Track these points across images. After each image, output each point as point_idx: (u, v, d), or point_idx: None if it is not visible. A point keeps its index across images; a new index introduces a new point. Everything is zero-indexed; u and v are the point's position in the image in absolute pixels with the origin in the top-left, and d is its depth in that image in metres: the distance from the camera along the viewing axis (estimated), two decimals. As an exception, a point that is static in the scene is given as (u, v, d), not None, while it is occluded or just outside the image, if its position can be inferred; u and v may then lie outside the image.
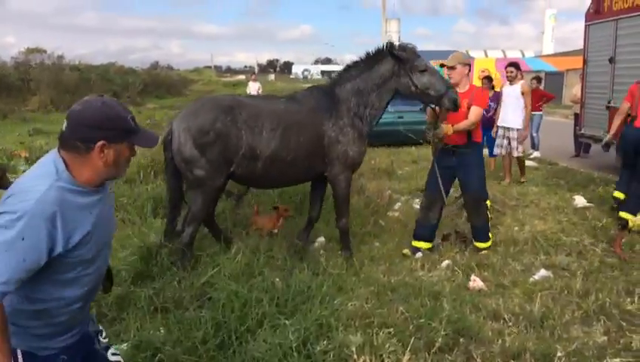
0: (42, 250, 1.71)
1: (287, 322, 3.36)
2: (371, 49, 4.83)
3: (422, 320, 3.56)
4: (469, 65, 5.24)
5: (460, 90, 5.04)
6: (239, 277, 4.18)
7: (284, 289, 3.89)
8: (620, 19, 9.00)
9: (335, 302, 3.84)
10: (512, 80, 8.57)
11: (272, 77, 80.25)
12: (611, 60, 9.24)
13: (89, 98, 1.88)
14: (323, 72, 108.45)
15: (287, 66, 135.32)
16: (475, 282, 4.40)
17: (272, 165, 4.58)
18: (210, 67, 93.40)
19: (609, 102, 9.28)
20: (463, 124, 4.88)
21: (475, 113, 4.96)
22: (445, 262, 4.88)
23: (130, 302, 3.81)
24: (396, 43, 4.81)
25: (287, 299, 3.75)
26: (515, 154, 8.49)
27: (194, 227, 4.56)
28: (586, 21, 10.15)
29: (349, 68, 4.92)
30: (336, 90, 4.83)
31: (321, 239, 5.44)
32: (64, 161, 1.81)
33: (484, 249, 5.16)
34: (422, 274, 4.60)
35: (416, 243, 5.27)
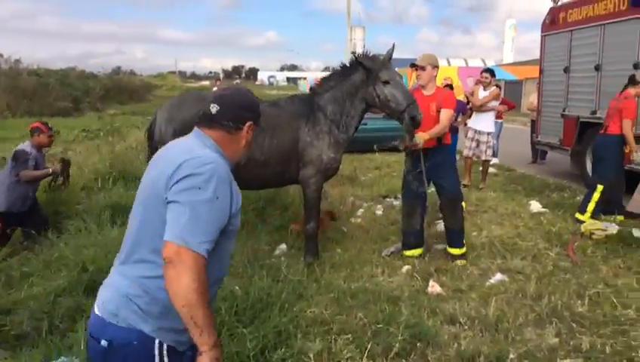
0: (227, 212, 1.79)
1: (245, 330, 3.34)
2: (349, 58, 5.02)
3: (380, 326, 3.59)
4: (438, 67, 5.23)
5: (427, 92, 5.11)
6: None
7: (243, 297, 3.87)
8: (574, 30, 9.31)
9: (294, 309, 3.85)
10: (486, 85, 8.84)
11: (237, 83, 79.77)
12: (566, 70, 9.54)
13: (231, 86, 2.16)
14: (289, 79, 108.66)
15: (253, 72, 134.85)
16: (434, 287, 4.46)
17: (245, 164, 4.63)
18: (174, 72, 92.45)
19: (564, 111, 9.58)
20: (436, 130, 4.92)
21: (447, 116, 5.03)
22: (405, 268, 4.94)
23: (83, 314, 3.72)
24: (363, 51, 4.92)
25: (245, 307, 3.73)
26: (484, 157, 8.74)
27: None
28: (542, 32, 10.45)
29: (329, 77, 5.10)
30: (316, 98, 4.99)
31: (283, 246, 5.43)
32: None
33: (459, 256, 5.14)
34: (382, 280, 4.64)
35: (407, 253, 5.25)
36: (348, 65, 4.95)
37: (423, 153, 4.97)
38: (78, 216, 5.90)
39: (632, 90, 6.45)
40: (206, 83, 64.63)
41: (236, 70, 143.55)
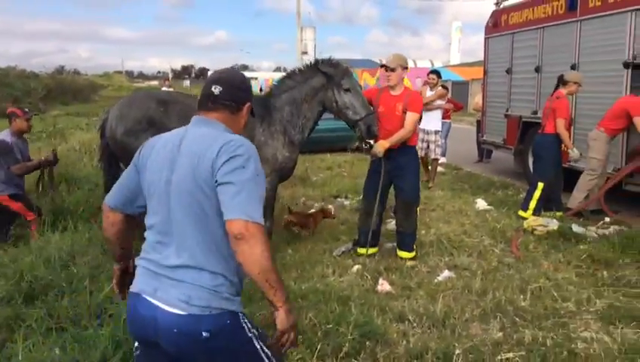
0: (264, 185, 1.98)
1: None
2: (309, 61, 5.12)
3: (330, 326, 3.59)
4: (407, 68, 5.21)
5: (394, 92, 5.08)
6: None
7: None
8: (516, 32, 9.62)
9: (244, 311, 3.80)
10: (432, 86, 9.06)
11: (187, 83, 78.47)
12: (508, 71, 9.85)
13: (227, 68, 2.32)
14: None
15: (203, 73, 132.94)
16: (383, 286, 4.51)
17: None
18: (120, 72, 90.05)
19: (507, 111, 9.88)
20: (398, 135, 4.88)
21: (412, 120, 4.95)
22: (355, 267, 4.96)
23: (22, 324, 3.56)
24: (328, 58, 5.02)
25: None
26: (433, 156, 8.93)
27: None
28: (485, 34, 10.75)
29: (284, 79, 5.09)
30: (272, 99, 5.00)
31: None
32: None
33: (409, 259, 5.15)
34: (333, 280, 4.65)
35: (361, 251, 5.25)
36: (308, 67, 5.00)
37: (387, 153, 4.94)
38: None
39: (563, 90, 6.72)
40: (154, 83, 63.30)
41: (186, 70, 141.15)
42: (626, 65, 6.90)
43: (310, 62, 5.08)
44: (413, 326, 3.75)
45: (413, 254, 5.22)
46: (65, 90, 34.75)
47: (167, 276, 1.93)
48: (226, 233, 1.84)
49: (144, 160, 2.08)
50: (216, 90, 2.07)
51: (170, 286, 1.91)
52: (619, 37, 7.04)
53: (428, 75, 9.46)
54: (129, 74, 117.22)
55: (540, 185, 6.66)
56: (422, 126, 9.12)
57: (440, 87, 9.22)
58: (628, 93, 6.86)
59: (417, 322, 3.80)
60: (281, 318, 1.87)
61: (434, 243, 5.62)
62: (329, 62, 4.89)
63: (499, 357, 3.32)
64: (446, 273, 4.79)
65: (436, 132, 8.96)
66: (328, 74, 4.80)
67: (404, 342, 3.51)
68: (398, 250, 5.26)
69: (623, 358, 3.29)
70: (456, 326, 3.73)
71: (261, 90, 47.76)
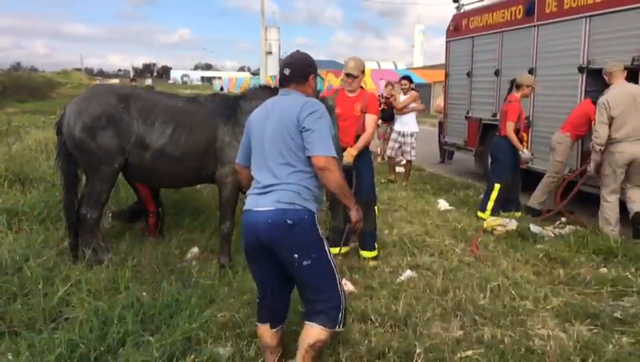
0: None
1: (151, 338, 3.22)
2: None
3: (294, 327, 3.57)
4: (364, 72, 5.30)
5: (351, 94, 5.17)
6: (102, 293, 3.95)
7: (151, 303, 3.73)
8: (476, 36, 9.81)
9: (205, 313, 3.75)
10: (405, 91, 9.48)
11: (149, 81, 77.04)
12: (469, 74, 10.03)
13: (294, 52, 3.06)
14: (203, 78, 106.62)
15: (165, 71, 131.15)
16: (346, 285, 4.51)
17: (160, 159, 4.69)
18: (79, 69, 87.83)
19: (468, 113, 10.07)
20: (363, 140, 5.06)
21: (372, 122, 5.16)
22: (318, 268, 4.95)
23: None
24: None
25: (153, 313, 3.60)
26: (408, 157, 9.15)
27: (97, 212, 4.71)
28: (446, 37, 10.93)
29: (263, 88, 5.14)
30: (241, 102, 4.95)
31: (195, 249, 5.28)
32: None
33: (371, 258, 5.19)
34: (295, 281, 4.62)
35: (333, 250, 5.21)
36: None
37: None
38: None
39: (517, 94, 6.88)
40: (115, 81, 61.91)
41: (147, 68, 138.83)
42: (581, 69, 7.13)
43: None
44: (375, 326, 3.76)
45: (375, 253, 5.26)
46: (21, 87, 33.61)
47: (264, 193, 2.73)
48: (303, 160, 2.71)
49: (249, 126, 2.97)
50: (286, 71, 2.92)
51: (266, 196, 2.71)
52: (574, 42, 7.26)
53: (400, 80, 9.87)
54: (88, 71, 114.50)
55: (497, 186, 6.80)
56: (398, 128, 9.48)
57: (412, 91, 9.55)
58: (583, 96, 7.08)
59: (379, 322, 3.82)
60: (353, 214, 2.89)
61: (396, 243, 5.67)
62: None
63: (459, 356, 3.36)
64: (408, 273, 4.83)
65: (412, 134, 9.28)
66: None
67: (366, 342, 3.51)
68: (360, 250, 5.29)
69: (577, 354, 3.38)
70: (418, 325, 3.76)
71: (222, 89, 47.28)
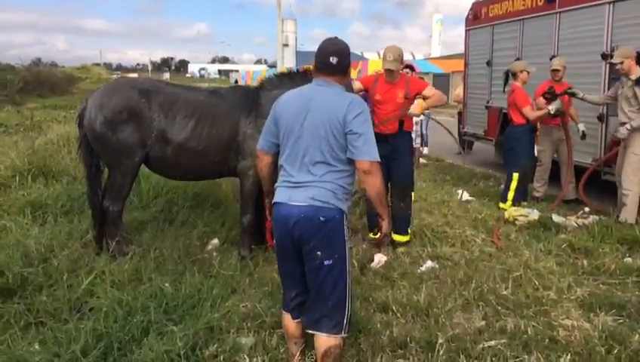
0: None
1: (174, 328, 3.25)
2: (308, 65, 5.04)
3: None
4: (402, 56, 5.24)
5: (392, 80, 5.12)
6: (125, 284, 4.00)
7: (174, 294, 3.77)
8: (496, 24, 9.68)
9: (227, 304, 3.78)
10: None
11: (166, 75, 77.70)
12: (489, 63, 9.91)
13: (334, 40, 2.88)
14: (220, 71, 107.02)
15: (183, 65, 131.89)
16: (380, 258, 4.78)
17: (182, 152, 4.69)
18: (99, 64, 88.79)
19: (488, 103, 9.95)
20: (434, 100, 5.08)
21: (432, 90, 5.15)
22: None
23: (1, 318, 3.50)
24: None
25: (176, 304, 3.64)
26: (414, 145, 9.05)
27: (119, 205, 4.74)
28: (466, 26, 10.81)
29: (281, 76, 5.05)
30: (261, 92, 4.93)
31: (215, 241, 5.32)
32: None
33: (403, 243, 5.22)
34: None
35: (371, 236, 5.31)
36: (310, 72, 4.91)
37: (384, 138, 4.94)
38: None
39: (517, 83, 6.87)
40: (134, 75, 62.46)
41: (165, 62, 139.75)
42: (604, 56, 6.99)
43: (308, 67, 5.03)
44: (396, 316, 3.76)
45: (407, 238, 5.28)
46: (42, 82, 33.91)
47: (298, 187, 2.71)
48: (342, 160, 2.69)
49: (279, 112, 2.85)
50: (333, 60, 2.78)
51: (300, 191, 2.70)
52: (597, 29, 7.13)
53: (404, 67, 9.65)
54: (108, 66, 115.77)
55: (515, 175, 6.76)
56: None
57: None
58: (606, 84, 6.96)
59: (401, 312, 3.81)
60: (385, 225, 2.87)
61: (417, 233, 5.64)
62: None
63: (481, 346, 3.34)
64: (429, 263, 4.81)
65: (416, 122, 9.15)
66: None
67: (388, 332, 3.51)
68: (392, 234, 5.23)
69: (603, 345, 3.34)
70: (439, 315, 3.75)
71: (237, 82, 47.38)
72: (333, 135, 2.66)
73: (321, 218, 2.64)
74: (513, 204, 6.64)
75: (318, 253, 2.66)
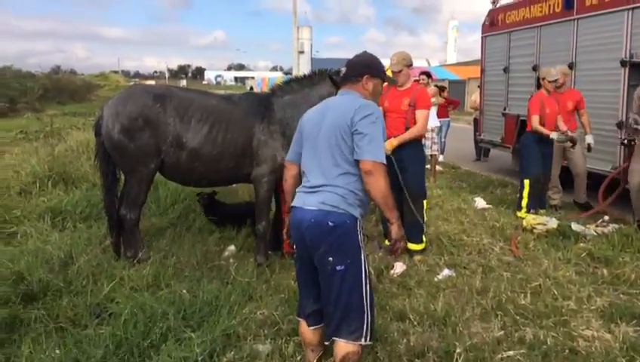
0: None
1: (193, 334, 3.28)
2: (316, 69, 5.15)
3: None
4: (412, 65, 5.33)
5: (401, 87, 5.19)
6: (145, 289, 4.04)
7: (192, 300, 3.79)
8: (513, 31, 9.63)
9: (244, 311, 3.80)
10: (425, 86, 9.25)
11: (183, 83, 78.32)
12: (505, 70, 9.86)
13: (359, 53, 3.05)
14: (237, 78, 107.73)
15: (200, 72, 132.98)
16: (397, 268, 4.73)
17: (196, 157, 4.72)
18: (117, 72, 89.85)
19: (504, 110, 9.89)
20: (410, 133, 5.06)
21: (423, 116, 5.14)
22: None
23: (21, 323, 3.55)
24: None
25: (194, 310, 3.66)
26: (429, 152, 9.05)
27: (135, 212, 4.78)
28: (482, 33, 10.76)
29: (290, 82, 5.08)
30: (273, 99, 4.97)
31: (232, 248, 5.35)
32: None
33: (418, 251, 5.20)
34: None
35: (387, 243, 5.31)
36: (316, 74, 4.99)
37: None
38: (17, 221, 5.64)
39: (542, 90, 6.76)
40: (152, 82, 63.02)
41: (182, 70, 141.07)
42: (623, 63, 6.92)
43: (319, 70, 5.08)
44: (413, 325, 3.74)
45: (422, 246, 5.27)
46: (61, 89, 34.44)
47: (312, 192, 2.74)
48: (352, 163, 2.68)
49: (304, 122, 2.95)
50: (343, 69, 3.03)
51: (313, 195, 2.73)
52: (616, 35, 7.06)
53: (419, 75, 9.73)
54: (125, 73, 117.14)
55: (526, 182, 6.73)
56: None
57: (432, 87, 9.56)
58: (625, 91, 6.88)
59: (418, 321, 3.79)
60: (394, 230, 2.75)
61: (433, 241, 5.61)
62: (338, 73, 4.84)
63: (500, 356, 3.31)
64: (446, 271, 4.78)
65: (432, 129, 9.17)
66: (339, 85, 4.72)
67: (405, 341, 3.49)
68: (407, 243, 5.22)
69: (624, 356, 3.29)
70: (457, 324, 3.72)
71: (252, 88, 47.71)
72: (342, 137, 2.69)
73: (330, 223, 2.64)
74: (528, 211, 6.59)
75: (330, 258, 2.66)
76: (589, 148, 6.96)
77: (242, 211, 5.91)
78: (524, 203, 6.72)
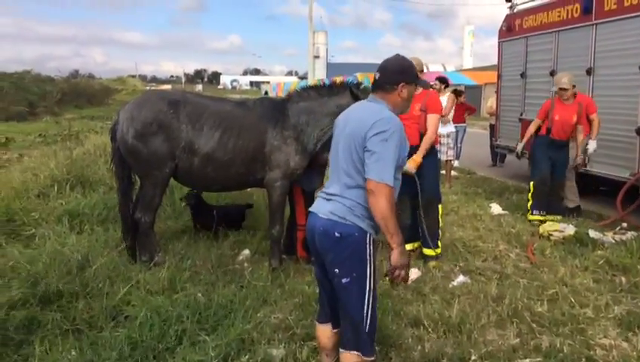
0: (400, 153, 2.65)
1: (207, 338, 3.30)
2: (337, 79, 5.25)
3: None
4: (423, 71, 5.33)
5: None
6: (160, 293, 4.07)
7: (207, 303, 3.81)
8: (530, 36, 9.56)
9: (258, 315, 3.81)
10: (438, 92, 9.22)
11: (199, 87, 78.99)
12: (522, 75, 9.79)
13: (392, 56, 2.87)
14: (252, 83, 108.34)
15: (216, 77, 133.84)
16: (412, 274, 4.68)
17: (208, 163, 4.76)
18: (134, 76, 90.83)
19: (521, 115, 9.81)
20: (425, 144, 5.06)
21: (434, 122, 5.16)
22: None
23: (39, 324, 3.59)
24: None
25: (209, 314, 3.68)
26: (444, 158, 9.03)
27: (150, 216, 4.83)
28: (499, 38, 10.70)
29: (308, 89, 5.08)
30: (288, 104, 4.97)
31: (246, 252, 5.37)
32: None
33: (432, 257, 5.19)
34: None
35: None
36: (336, 85, 4.97)
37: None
38: (35, 224, 5.71)
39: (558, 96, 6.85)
40: (168, 87, 63.59)
41: (198, 74, 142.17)
42: (644, 68, 6.82)
43: (341, 81, 5.10)
44: (428, 332, 3.72)
45: (437, 251, 5.25)
46: (79, 93, 34.81)
47: (327, 199, 2.74)
48: (363, 175, 2.59)
49: (334, 127, 2.91)
50: (377, 75, 2.80)
51: (327, 203, 2.72)
52: (635, 40, 6.97)
53: (435, 80, 9.74)
54: (143, 78, 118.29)
55: (531, 183, 6.86)
56: None
57: (448, 93, 9.52)
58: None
59: (432, 327, 3.77)
60: (394, 256, 2.57)
61: (448, 247, 5.59)
62: (362, 88, 4.84)
63: (516, 363, 3.28)
64: (461, 278, 4.75)
65: (447, 135, 9.19)
66: (359, 98, 4.63)
67: (420, 347, 3.48)
68: (422, 249, 5.24)
69: (642, 366, 3.25)
70: (472, 331, 3.70)
71: (266, 93, 48.06)
72: (356, 149, 2.64)
73: (337, 234, 2.62)
74: (533, 212, 6.74)
75: (336, 270, 2.65)
76: (585, 153, 6.92)
77: (231, 212, 6.00)
78: (528, 204, 6.86)
